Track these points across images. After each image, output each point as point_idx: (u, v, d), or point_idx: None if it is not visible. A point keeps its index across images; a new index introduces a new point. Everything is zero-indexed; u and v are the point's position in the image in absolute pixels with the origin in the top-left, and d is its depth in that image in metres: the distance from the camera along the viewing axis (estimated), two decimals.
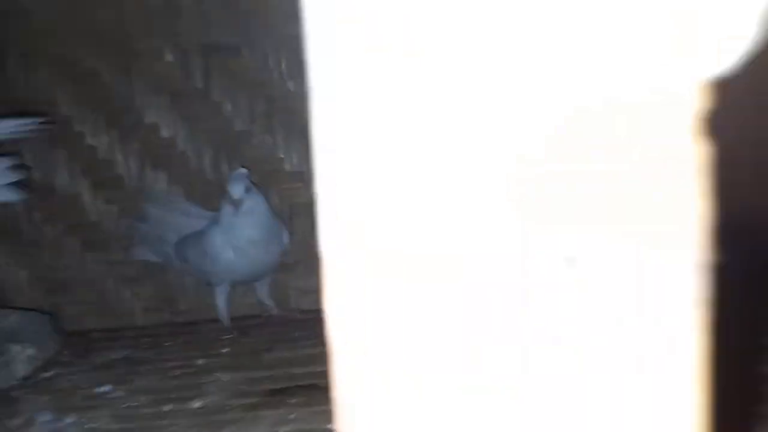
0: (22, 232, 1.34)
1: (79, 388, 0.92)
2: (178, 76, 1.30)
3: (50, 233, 1.34)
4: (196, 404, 0.81)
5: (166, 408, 0.81)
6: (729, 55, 0.24)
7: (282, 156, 1.32)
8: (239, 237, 1.14)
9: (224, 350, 1.04)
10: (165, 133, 1.32)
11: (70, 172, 1.32)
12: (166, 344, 1.12)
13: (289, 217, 1.34)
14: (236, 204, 1.11)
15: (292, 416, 0.74)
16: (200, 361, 0.99)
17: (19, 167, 1.13)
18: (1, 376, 0.89)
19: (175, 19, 1.29)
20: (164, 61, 1.30)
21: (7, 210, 1.32)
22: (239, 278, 1.22)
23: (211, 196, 1.32)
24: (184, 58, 1.30)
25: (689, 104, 0.20)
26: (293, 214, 1.34)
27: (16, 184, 1.10)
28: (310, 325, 1.14)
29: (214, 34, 1.29)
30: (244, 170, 1.18)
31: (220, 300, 1.22)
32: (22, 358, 0.94)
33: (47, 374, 1.00)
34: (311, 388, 0.82)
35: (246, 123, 1.31)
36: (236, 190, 1.11)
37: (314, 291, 1.32)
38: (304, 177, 1.33)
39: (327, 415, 0.66)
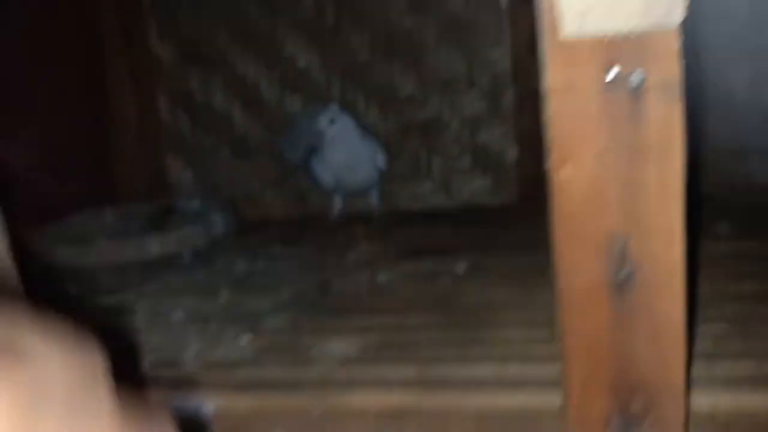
0: (188, 142, 1.68)
1: (255, 250, 1.24)
2: (314, 14, 1.57)
3: (208, 143, 1.68)
4: (350, 258, 1.12)
5: (328, 260, 1.12)
6: None
7: (398, 83, 1.59)
8: (331, 162, 1.40)
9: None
10: (301, 63, 1.60)
11: (225, 95, 1.64)
12: (309, 229, 1.43)
13: (402, 134, 1.61)
14: (320, 135, 1.35)
15: (427, 264, 1.02)
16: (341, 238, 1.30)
17: None
18: (206, 234, 1.23)
19: None
20: (302, 2, 1.57)
21: (176, 126, 1.66)
22: (341, 192, 1.49)
23: None
24: None
25: None
26: (405, 131, 1.61)
27: None
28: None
29: None
30: (333, 106, 1.42)
31: (334, 203, 1.51)
32: (218, 223, 1.27)
33: (225, 242, 1.34)
34: (436, 252, 1.10)
35: (369, 55, 1.58)
36: (321, 123, 1.36)
37: (421, 196, 1.61)
38: (415, 100, 1.59)
39: (451, 263, 0.94)
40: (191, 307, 0.89)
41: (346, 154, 1.40)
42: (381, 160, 1.48)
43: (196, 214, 1.41)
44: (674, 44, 0.37)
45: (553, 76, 0.39)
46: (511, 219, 1.34)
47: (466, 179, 1.61)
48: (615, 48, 0.38)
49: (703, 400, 0.50)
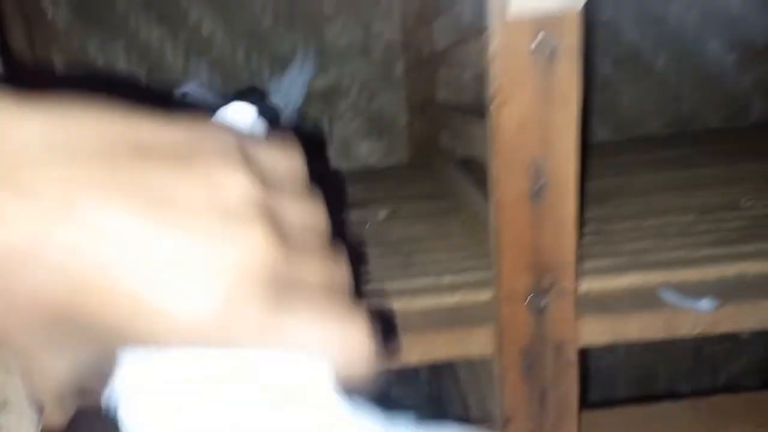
0: None
1: None
2: None
3: None
4: None
5: None
6: None
7: (298, 50, 1.68)
8: None
9: None
10: (205, 30, 1.64)
11: (128, 62, 1.63)
12: None
13: (306, 102, 1.72)
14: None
15: (350, 214, 1.17)
16: None
17: None
18: None
19: None
20: None
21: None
22: None
23: (242, 84, 1.68)
24: None
25: None
26: (308, 99, 1.72)
27: None
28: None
29: None
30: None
31: None
32: None
33: None
34: (353, 204, 1.26)
35: (271, 23, 1.65)
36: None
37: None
38: (316, 69, 1.70)
39: (372, 212, 1.10)
40: None
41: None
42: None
43: None
44: (577, 20, 0.55)
45: (497, 43, 0.55)
46: (408, 176, 1.53)
47: (363, 143, 1.77)
48: (539, 23, 0.54)
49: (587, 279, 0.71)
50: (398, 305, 0.74)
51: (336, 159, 1.76)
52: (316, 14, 1.66)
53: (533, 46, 0.55)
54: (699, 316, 0.67)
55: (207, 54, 1.65)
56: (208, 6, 1.62)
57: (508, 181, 0.59)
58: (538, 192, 0.59)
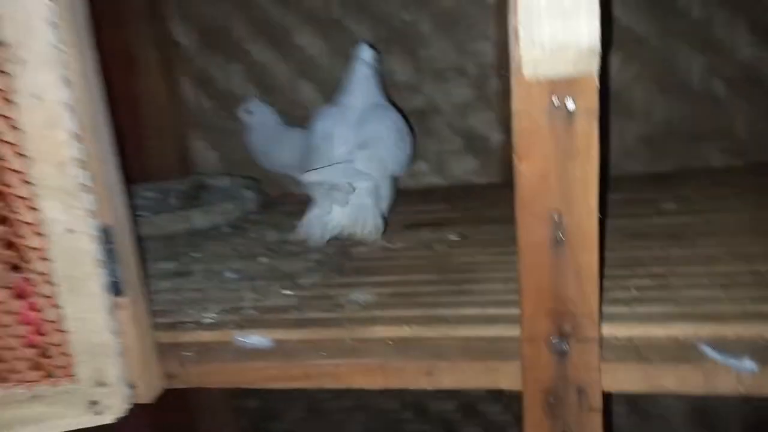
0: (216, 124, 1.87)
1: (283, 222, 1.45)
2: (321, 8, 1.74)
3: (229, 126, 1.86)
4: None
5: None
6: None
7: (396, 72, 1.77)
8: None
9: None
10: (311, 52, 1.78)
11: (243, 82, 1.83)
12: None
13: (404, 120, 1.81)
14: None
15: (425, 234, 1.23)
16: None
17: None
18: (238, 209, 1.43)
19: None
20: None
21: (200, 109, 1.85)
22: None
23: None
24: None
25: None
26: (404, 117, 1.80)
27: None
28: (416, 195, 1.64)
29: None
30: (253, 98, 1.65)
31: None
32: (250, 197, 1.47)
33: (254, 216, 1.54)
34: (432, 224, 1.31)
35: (371, 42, 1.75)
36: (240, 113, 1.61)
37: (419, 173, 1.81)
38: (415, 88, 1.78)
39: (445, 234, 1.15)
40: (239, 269, 1.10)
41: (263, 139, 1.63)
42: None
43: (226, 191, 1.62)
44: (594, 84, 0.57)
45: (517, 101, 0.59)
46: (495, 196, 1.54)
47: (456, 160, 1.82)
48: (556, 84, 0.58)
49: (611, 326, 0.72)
50: (439, 332, 0.79)
51: (430, 175, 1.83)
52: (413, 34, 1.74)
53: (550, 106, 0.58)
54: (742, 376, 0.65)
55: (313, 75, 1.79)
56: (314, 31, 1.76)
57: (529, 229, 0.63)
58: (557, 242, 0.62)
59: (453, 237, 1.19)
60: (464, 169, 1.83)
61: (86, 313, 0.68)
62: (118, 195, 0.71)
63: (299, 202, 1.67)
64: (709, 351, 0.68)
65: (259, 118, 1.67)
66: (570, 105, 0.58)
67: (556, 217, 0.61)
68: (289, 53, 1.78)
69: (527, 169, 0.60)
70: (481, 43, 1.72)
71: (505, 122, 1.73)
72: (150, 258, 1.22)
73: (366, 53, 1.46)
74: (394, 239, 1.22)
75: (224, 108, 1.84)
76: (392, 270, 1.02)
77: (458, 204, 1.49)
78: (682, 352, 0.69)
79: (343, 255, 1.14)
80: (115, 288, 0.70)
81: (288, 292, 0.95)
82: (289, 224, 1.41)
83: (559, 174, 0.60)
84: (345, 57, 1.76)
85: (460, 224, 1.29)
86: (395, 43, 1.73)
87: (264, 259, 1.15)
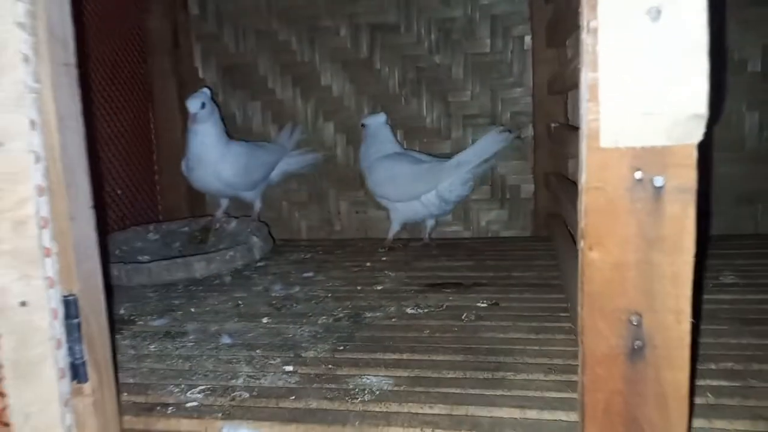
0: None
1: (290, 273, 1.32)
2: (349, 47, 1.65)
3: None
4: (378, 287, 1.19)
5: (359, 288, 1.19)
6: None
7: (424, 115, 1.66)
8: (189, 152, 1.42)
9: (384, 259, 1.42)
10: (336, 92, 1.69)
11: (264, 119, 1.73)
12: (337, 252, 1.51)
13: None
14: (192, 118, 1.36)
15: (450, 298, 1.09)
16: (368, 264, 1.37)
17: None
18: (246, 256, 1.31)
19: (351, 3, 1.63)
20: (340, 36, 1.65)
21: None
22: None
23: None
24: (356, 33, 1.65)
25: None
26: None
27: None
28: (440, 246, 1.51)
29: (380, 15, 1.62)
30: (206, 89, 1.44)
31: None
32: (257, 246, 1.35)
33: (260, 264, 1.41)
34: (458, 285, 1.17)
35: (398, 87, 1.65)
36: (192, 105, 1.36)
37: (441, 223, 1.68)
38: (440, 133, 1.66)
39: (474, 299, 1.01)
40: (237, 331, 0.96)
41: (201, 147, 1.40)
42: (229, 169, 1.44)
43: (233, 234, 1.50)
44: (693, 156, 0.44)
45: (589, 174, 0.45)
46: (525, 253, 1.40)
47: (483, 210, 1.69)
48: (642, 156, 0.44)
49: None
50: None
51: (454, 225, 1.70)
52: (445, 80, 1.63)
53: (631, 181, 0.45)
54: None
55: (335, 114, 1.69)
56: (339, 70, 1.67)
57: (597, 334, 0.49)
58: (636, 351, 0.48)
59: (482, 304, 1.05)
60: (491, 219, 1.69)
61: (36, 404, 0.55)
62: (88, 258, 0.58)
63: (307, 248, 1.57)
64: None
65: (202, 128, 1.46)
66: (658, 181, 0.45)
67: (634, 321, 0.47)
68: (313, 93, 1.69)
69: (599, 259, 0.47)
70: (516, 90, 1.61)
71: (537, 172, 1.61)
72: (141, 313, 1.10)
73: None
74: (415, 300, 1.08)
75: None
76: (413, 344, 0.88)
77: (485, 261, 1.35)
78: None
79: (355, 319, 1.00)
80: (76, 372, 0.58)
81: (289, 368, 0.82)
82: (296, 276, 1.30)
83: (640, 266, 0.46)
84: (371, 98, 1.67)
85: (488, 287, 1.15)
86: (425, 86, 1.63)
87: (266, 320, 1.02)
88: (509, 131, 1.45)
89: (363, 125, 1.54)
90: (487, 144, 1.40)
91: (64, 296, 0.56)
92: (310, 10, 1.65)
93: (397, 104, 1.66)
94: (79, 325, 0.57)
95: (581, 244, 0.47)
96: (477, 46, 1.61)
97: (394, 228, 1.53)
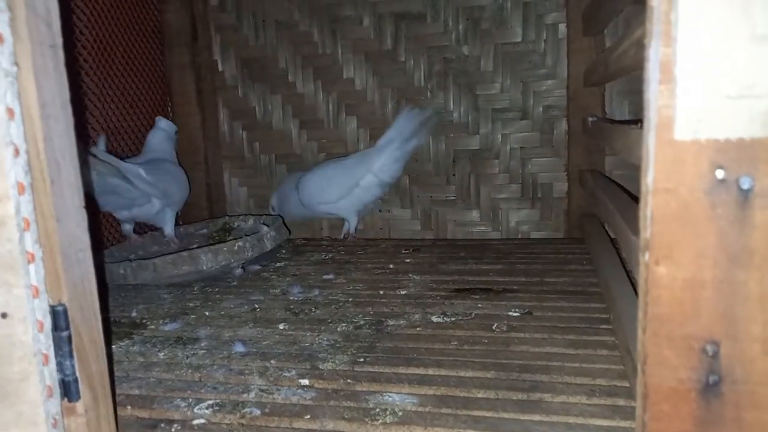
0: (245, 158, 1.71)
1: (309, 275, 1.26)
2: (373, 38, 1.58)
3: (264, 160, 1.71)
4: (402, 292, 1.12)
5: (381, 292, 1.12)
6: None
7: (451, 109, 1.58)
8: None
9: (407, 261, 1.34)
10: (358, 85, 1.62)
11: (284, 113, 1.67)
12: (358, 252, 1.44)
13: (452, 162, 1.61)
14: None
15: (479, 305, 1.02)
16: (392, 266, 1.30)
17: None
18: (256, 246, 1.24)
19: None
20: (362, 26, 1.58)
21: (234, 142, 1.70)
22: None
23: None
24: (380, 23, 1.57)
25: None
26: (456, 159, 1.60)
27: None
28: (467, 248, 1.42)
29: (405, 4, 1.55)
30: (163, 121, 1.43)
31: None
32: (269, 236, 1.29)
33: (279, 264, 1.36)
34: (487, 290, 1.10)
35: (424, 80, 1.58)
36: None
37: (468, 223, 1.60)
38: (468, 128, 1.58)
39: (505, 307, 0.93)
40: (252, 338, 0.90)
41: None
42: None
43: (251, 232, 1.44)
44: None
45: (658, 173, 0.38)
46: (558, 256, 1.32)
47: (513, 209, 1.60)
48: (725, 151, 0.36)
49: None
50: None
51: (482, 224, 1.61)
52: (473, 72, 1.55)
53: (713, 182, 0.37)
54: None
55: (358, 108, 1.63)
56: (362, 63, 1.60)
57: (663, 364, 0.41)
58: (710, 387, 0.40)
59: (514, 313, 0.97)
60: (521, 219, 1.61)
61: (19, 426, 0.49)
62: (79, 263, 0.53)
63: (328, 247, 1.50)
64: None
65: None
66: (744, 182, 0.37)
67: (709, 350, 0.39)
68: (335, 86, 1.62)
69: (668, 276, 0.39)
70: (549, 82, 1.52)
71: (571, 169, 1.51)
72: (154, 315, 1.05)
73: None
74: (441, 308, 1.01)
75: (260, 141, 1.69)
76: (439, 357, 0.80)
77: (516, 264, 1.27)
78: None
79: (376, 327, 0.93)
80: (66, 390, 0.52)
81: (304, 381, 0.75)
82: (316, 278, 1.24)
83: (719, 285, 0.38)
84: (396, 92, 1.60)
85: (520, 293, 1.06)
86: (452, 79, 1.55)
87: (282, 326, 0.95)
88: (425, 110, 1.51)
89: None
90: (404, 122, 1.47)
91: (52, 306, 0.51)
92: None
93: (423, 98, 1.59)
94: (69, 337, 0.52)
95: (645, 257, 0.39)
96: (508, 35, 1.52)
97: (353, 223, 1.56)
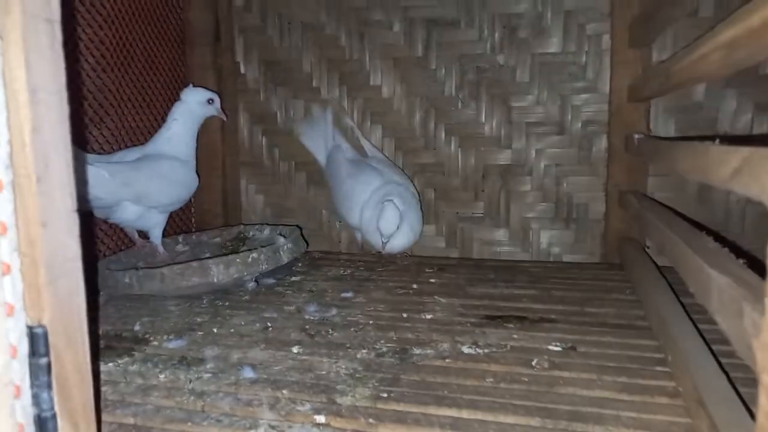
0: (263, 165, 1.64)
1: (326, 292, 1.17)
2: (402, 44, 1.51)
3: (284, 168, 1.63)
4: (427, 316, 1.02)
5: (405, 315, 1.03)
6: None
7: (483, 121, 1.50)
8: None
9: (432, 281, 1.25)
10: (385, 93, 1.54)
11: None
12: (378, 269, 1.35)
13: (481, 176, 1.52)
14: None
15: (514, 335, 0.92)
16: (415, 286, 1.21)
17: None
18: (271, 259, 1.16)
19: None
20: (392, 31, 1.51)
21: (253, 147, 1.63)
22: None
23: (417, 151, 1.54)
24: (410, 29, 1.50)
25: None
26: (485, 174, 1.51)
27: None
28: (496, 270, 1.33)
29: (438, 10, 1.47)
30: None
31: None
32: (285, 249, 1.20)
33: (295, 278, 1.27)
34: (522, 319, 1.00)
35: (455, 89, 1.50)
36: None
37: (496, 242, 1.50)
38: (500, 142, 1.49)
39: (544, 339, 0.83)
40: (262, 363, 0.82)
41: None
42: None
43: (266, 243, 1.36)
44: None
45: None
46: (598, 283, 1.21)
47: (545, 230, 1.50)
48: None
49: None
50: None
51: (510, 245, 1.52)
52: (507, 83, 1.47)
53: None
54: None
55: (384, 117, 1.55)
56: (390, 69, 1.52)
57: None
58: None
59: (555, 347, 0.87)
60: (553, 241, 1.51)
61: None
62: (65, 276, 0.44)
63: (347, 262, 1.42)
64: None
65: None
66: None
67: None
68: (361, 93, 1.55)
69: None
70: (589, 95, 1.43)
71: (611, 189, 1.41)
72: (158, 330, 0.96)
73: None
74: (472, 336, 0.91)
75: (280, 147, 1.62)
76: (474, 397, 0.71)
77: (551, 290, 1.17)
78: None
79: (401, 356, 0.84)
80: (42, 427, 0.43)
81: (320, 418, 0.66)
82: (334, 295, 1.15)
83: None
84: (424, 101, 1.52)
85: (559, 323, 0.96)
86: (485, 89, 1.47)
87: (297, 350, 0.86)
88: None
89: None
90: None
91: (30, 327, 0.42)
92: (361, 2, 1.51)
93: (453, 108, 1.51)
94: (48, 365, 0.43)
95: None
96: (546, 45, 1.44)
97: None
